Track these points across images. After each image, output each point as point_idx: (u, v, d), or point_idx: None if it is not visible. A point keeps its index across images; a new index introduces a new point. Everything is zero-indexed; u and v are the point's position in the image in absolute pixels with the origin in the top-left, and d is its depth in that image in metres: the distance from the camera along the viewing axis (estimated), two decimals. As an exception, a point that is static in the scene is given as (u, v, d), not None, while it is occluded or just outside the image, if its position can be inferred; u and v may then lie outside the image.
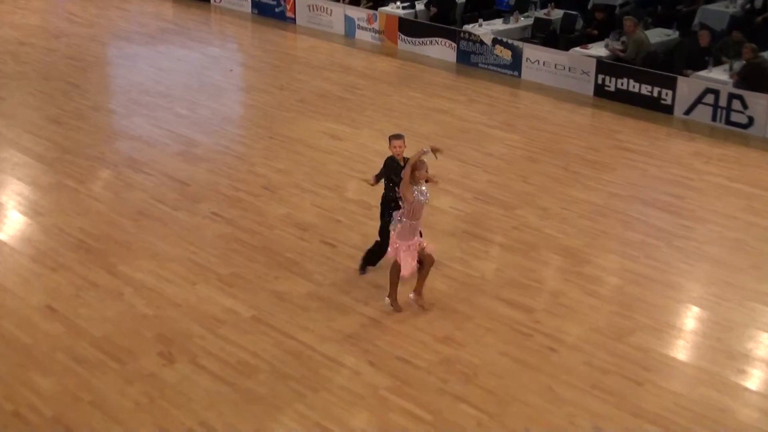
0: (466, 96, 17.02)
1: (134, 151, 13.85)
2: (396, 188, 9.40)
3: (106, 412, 7.92)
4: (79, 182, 12.72)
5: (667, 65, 16.54)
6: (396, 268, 9.26)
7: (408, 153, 9.54)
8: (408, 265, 9.10)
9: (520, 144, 14.57)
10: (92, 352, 8.79)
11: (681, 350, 9.12)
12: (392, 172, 9.56)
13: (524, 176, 13.23)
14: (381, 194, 9.89)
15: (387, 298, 9.52)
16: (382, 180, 9.80)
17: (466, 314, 9.53)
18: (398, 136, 9.64)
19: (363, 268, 10.25)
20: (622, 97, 16.54)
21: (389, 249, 9.34)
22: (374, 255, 10.15)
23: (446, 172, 13.20)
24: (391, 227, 9.27)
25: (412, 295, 9.54)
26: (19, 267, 10.41)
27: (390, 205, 9.60)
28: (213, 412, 7.94)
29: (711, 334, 9.36)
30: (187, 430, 7.71)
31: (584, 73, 17.03)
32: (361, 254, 10.42)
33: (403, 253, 9.09)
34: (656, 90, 16.10)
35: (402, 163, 9.46)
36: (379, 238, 10.02)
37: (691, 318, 9.78)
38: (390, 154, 9.67)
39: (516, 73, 18.07)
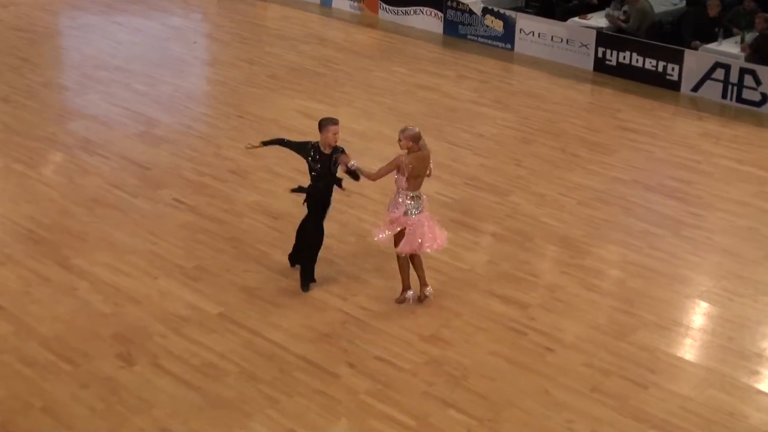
0: (454, 71, 17.01)
1: (89, 132, 13.77)
2: (315, 175, 9.50)
3: (59, 419, 7.89)
4: (29, 166, 12.64)
5: (673, 37, 16.59)
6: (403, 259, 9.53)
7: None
8: (414, 242, 9.34)
9: (513, 124, 14.58)
10: (43, 353, 8.74)
11: (688, 350, 9.17)
12: (311, 159, 9.48)
13: (518, 159, 13.25)
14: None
15: (410, 292, 9.60)
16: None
17: (455, 311, 9.54)
18: (333, 121, 9.40)
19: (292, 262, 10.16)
20: (625, 72, 16.57)
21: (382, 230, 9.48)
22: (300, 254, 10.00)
23: (433, 155, 13.18)
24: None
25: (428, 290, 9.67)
26: (-39, 260, 10.36)
27: (311, 195, 9.62)
28: (176, 418, 7.91)
29: (721, 332, 9.41)
30: (148, 438, 7.70)
31: (583, 45, 17.04)
32: (340, 245, 10.48)
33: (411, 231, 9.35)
34: (661, 64, 16.14)
35: (328, 151, 9.39)
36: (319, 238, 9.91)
37: (699, 314, 9.82)
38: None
39: (508, 45, 18.05)
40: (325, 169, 9.52)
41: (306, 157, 9.59)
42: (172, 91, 15.57)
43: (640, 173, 12.93)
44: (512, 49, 18.00)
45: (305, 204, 9.79)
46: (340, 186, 9.79)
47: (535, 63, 17.49)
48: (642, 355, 8.92)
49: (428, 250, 9.49)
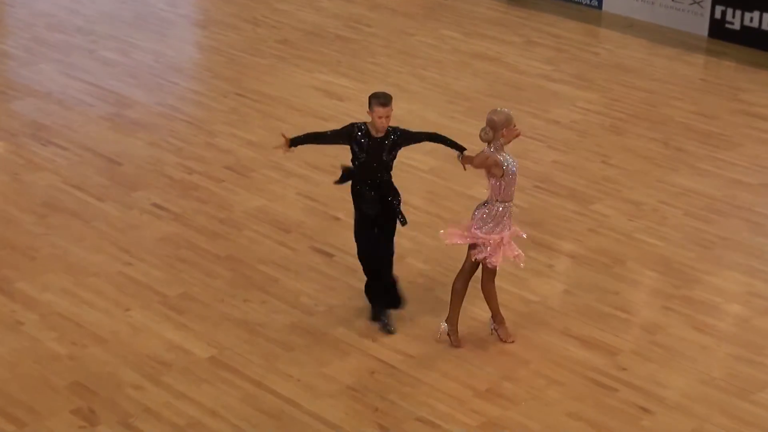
0: (523, 36, 17.00)
1: (40, 114, 13.91)
2: (360, 167, 9.57)
3: (-1, 497, 7.96)
4: (-38, 159, 12.79)
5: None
6: (463, 277, 9.66)
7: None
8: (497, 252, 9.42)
9: (599, 107, 14.58)
10: (-20, 408, 8.81)
11: (834, 413, 9.10)
12: (355, 143, 9.52)
13: (605, 155, 13.26)
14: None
15: (444, 324, 9.65)
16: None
17: (521, 357, 9.51)
18: (384, 101, 9.39)
19: (378, 316, 10.00)
20: (751, 38, 16.50)
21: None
22: (379, 283, 9.97)
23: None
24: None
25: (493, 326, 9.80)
26: None
27: (355, 185, 9.69)
28: (153, 497, 7.97)
29: None
30: None
31: (695, 2, 16.98)
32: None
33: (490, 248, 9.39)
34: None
35: (381, 134, 9.43)
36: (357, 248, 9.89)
37: None
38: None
39: (595, 2, 18.01)
40: (373, 159, 9.52)
41: (351, 143, 9.55)
42: (152, 61, 15.68)
43: (772, 174, 12.90)
44: (600, 7, 17.98)
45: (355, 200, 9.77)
46: (401, 220, 9.83)
47: (629, 26, 17.45)
48: (771, 420, 8.88)
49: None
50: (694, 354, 9.64)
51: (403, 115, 13.87)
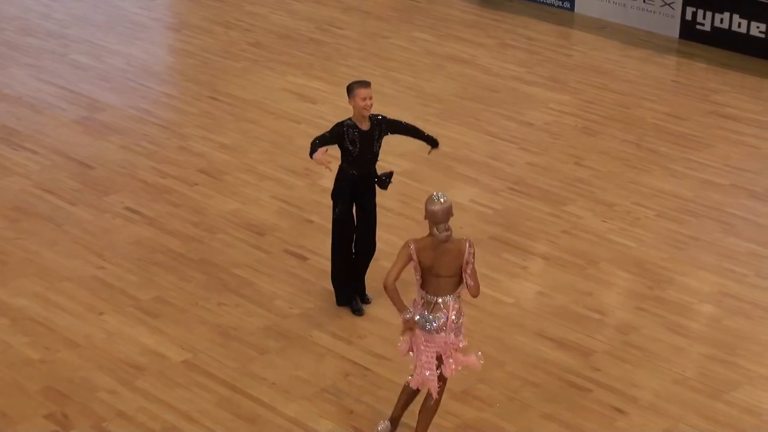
0: (496, 38, 17.04)
1: (11, 118, 13.87)
2: (353, 161, 9.74)
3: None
4: (-68, 164, 12.74)
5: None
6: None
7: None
8: (422, 373, 8.02)
9: (572, 109, 14.63)
10: (-49, 413, 8.77)
11: (806, 412, 9.15)
12: (348, 140, 9.68)
13: (578, 156, 13.30)
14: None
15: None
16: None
17: (496, 359, 9.50)
18: (365, 84, 9.67)
19: (344, 299, 10.31)
20: (722, 39, 16.57)
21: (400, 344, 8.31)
22: (333, 266, 10.26)
23: (468, 150, 13.23)
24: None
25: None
26: None
27: (341, 181, 9.91)
28: (127, 502, 7.96)
29: None
30: None
31: (666, 4, 17.05)
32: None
33: (418, 348, 8.04)
34: (771, 30, 16.17)
35: (367, 126, 9.65)
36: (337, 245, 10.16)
37: (821, 365, 9.82)
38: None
39: (567, 4, 18.08)
40: (365, 149, 9.69)
41: (342, 142, 9.68)
42: (124, 65, 15.65)
43: (743, 176, 12.96)
44: (572, 9, 18.03)
45: (335, 193, 10.02)
46: (381, 184, 10.06)
47: (601, 28, 17.52)
48: (746, 419, 8.87)
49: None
50: (668, 354, 9.68)
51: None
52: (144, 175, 12.50)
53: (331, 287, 10.35)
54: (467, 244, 7.91)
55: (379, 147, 9.87)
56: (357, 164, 9.78)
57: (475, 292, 7.98)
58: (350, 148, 9.65)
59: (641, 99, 14.97)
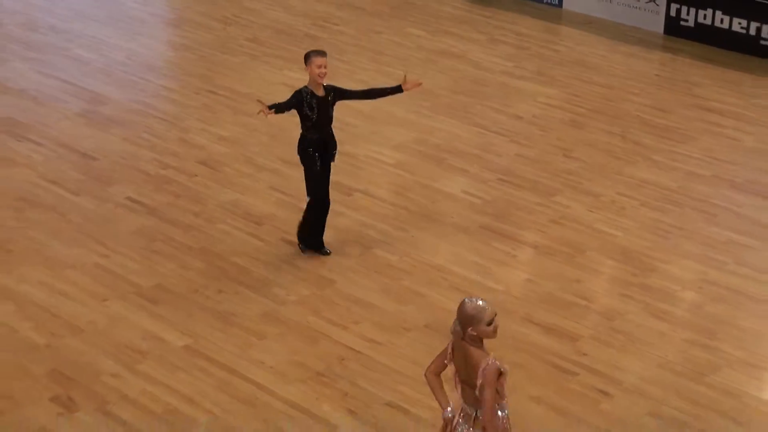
0: (486, 34, 17.05)
1: (15, 111, 13.88)
2: (312, 126, 10.36)
3: (-19, 482, 7.98)
4: (-61, 155, 12.76)
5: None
6: None
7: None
8: None
9: (560, 102, 14.67)
10: (-41, 395, 8.81)
11: (784, 394, 9.21)
12: (304, 105, 10.29)
13: (566, 148, 13.35)
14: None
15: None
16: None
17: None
18: (321, 53, 10.35)
19: (303, 243, 10.91)
20: (705, 35, 16.61)
21: None
22: (310, 221, 10.77)
23: (459, 143, 13.28)
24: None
25: None
26: None
27: (307, 147, 10.49)
28: (130, 481, 8.00)
29: (827, 371, 9.47)
30: (95, 506, 7.80)
31: (651, 1, 17.07)
32: (338, 258, 10.62)
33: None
34: (753, 26, 16.19)
35: (323, 93, 10.30)
36: (308, 196, 10.66)
37: (799, 349, 9.89)
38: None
39: (555, 1, 18.09)
40: (323, 116, 10.38)
41: (301, 108, 10.31)
42: (125, 59, 15.66)
43: (724, 167, 13.01)
44: (560, 5, 18.05)
45: (303, 158, 10.59)
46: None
47: (588, 23, 17.54)
48: (725, 401, 8.93)
49: None
50: (651, 339, 9.74)
51: (371, 111, 13.98)
52: (145, 167, 12.53)
53: (326, 275, 10.43)
54: (486, 361, 6.65)
55: (333, 111, 10.50)
56: (316, 128, 10.42)
57: (483, 421, 6.65)
58: (309, 113, 10.29)
59: (627, 93, 15.01)
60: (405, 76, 10.75)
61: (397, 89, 10.75)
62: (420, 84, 11.11)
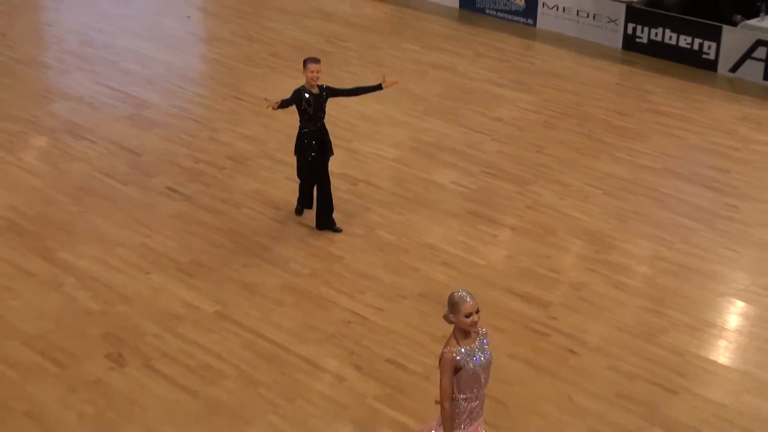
0: (471, 49, 17.05)
1: (74, 114, 13.88)
2: (309, 119, 10.59)
3: (45, 425, 7.98)
4: (9, 151, 12.75)
5: (711, 12, 16.58)
6: None
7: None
8: None
9: (534, 107, 14.66)
10: (27, 353, 8.83)
11: (723, 353, 9.23)
12: (303, 102, 10.53)
13: (540, 146, 13.34)
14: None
15: None
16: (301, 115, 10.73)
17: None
18: (315, 60, 10.60)
19: (302, 207, 11.27)
20: (657, 50, 16.63)
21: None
22: (303, 197, 11.18)
23: (448, 141, 13.29)
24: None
25: None
26: (-63, 253, 10.49)
27: (303, 138, 10.71)
28: (170, 425, 8.01)
29: (759, 333, 9.48)
30: (141, 446, 7.85)
31: (611, 21, 17.09)
32: (346, 237, 10.68)
33: None
34: (697, 42, 16.19)
35: (318, 91, 10.52)
36: (298, 178, 11.07)
37: (735, 315, 9.88)
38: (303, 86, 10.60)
39: (530, 21, 18.10)
40: (317, 111, 10.63)
41: (299, 103, 10.53)
42: (165, 70, 15.67)
43: (673, 161, 13.00)
44: (534, 25, 18.04)
45: (298, 148, 10.83)
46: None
47: (559, 40, 17.53)
48: (672, 358, 9.00)
49: None
50: (611, 306, 9.79)
51: (373, 113, 14.02)
52: (181, 161, 12.55)
53: (336, 252, 10.48)
54: (444, 349, 6.33)
55: (326, 107, 10.74)
56: (312, 121, 10.63)
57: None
58: (306, 107, 10.51)
59: (591, 99, 15.01)
60: (384, 76, 10.97)
61: (378, 87, 11.00)
62: (396, 83, 11.36)
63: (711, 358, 9.10)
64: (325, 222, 10.94)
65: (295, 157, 10.94)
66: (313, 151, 10.72)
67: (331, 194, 10.90)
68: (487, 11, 18.59)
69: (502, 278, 10.20)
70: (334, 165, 12.34)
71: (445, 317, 6.38)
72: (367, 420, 8.11)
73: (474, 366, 6.27)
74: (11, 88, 14.76)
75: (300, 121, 10.69)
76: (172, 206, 11.48)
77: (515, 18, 18.25)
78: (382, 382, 8.57)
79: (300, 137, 10.73)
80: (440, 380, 6.28)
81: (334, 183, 11.27)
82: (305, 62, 10.57)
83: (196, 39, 17.68)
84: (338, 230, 10.91)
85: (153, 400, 8.28)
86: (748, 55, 15.67)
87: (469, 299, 6.24)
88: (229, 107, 14.33)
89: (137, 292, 9.80)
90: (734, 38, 15.82)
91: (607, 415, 8.25)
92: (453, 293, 6.36)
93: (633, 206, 11.79)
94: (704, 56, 16.13)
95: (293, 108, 10.61)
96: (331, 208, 10.94)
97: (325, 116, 10.81)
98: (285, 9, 18.94)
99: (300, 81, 10.77)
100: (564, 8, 17.64)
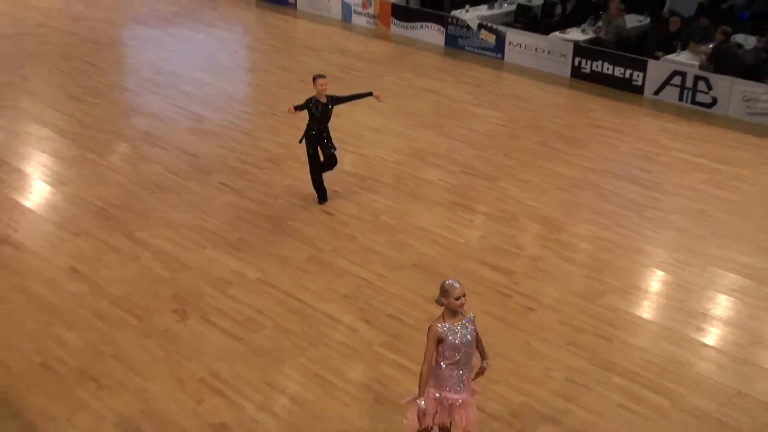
0: (454, 77, 17.04)
1: (148, 127, 13.89)
2: (315, 120, 10.68)
3: (127, 364, 8.04)
4: (99, 155, 12.76)
5: (638, 48, 16.60)
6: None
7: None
8: (419, 418, 6.06)
9: (502, 121, 14.63)
10: (113, 309, 8.89)
11: (647, 310, 9.26)
12: (312, 108, 10.66)
13: (506, 151, 13.30)
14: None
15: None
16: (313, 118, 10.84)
17: (452, 277, 9.54)
18: (322, 76, 10.67)
19: (321, 199, 11.25)
20: (597, 78, 16.60)
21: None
22: (316, 180, 11.19)
23: (435, 148, 13.29)
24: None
25: None
26: (44, 232, 10.49)
27: (308, 131, 10.80)
28: (223, 363, 8.05)
29: (674, 295, 9.51)
30: (199, 380, 7.83)
31: (562, 56, 17.07)
32: (358, 221, 10.66)
33: (427, 400, 6.16)
34: (628, 72, 16.16)
35: (324, 101, 10.64)
36: (309, 167, 11.10)
37: (656, 281, 9.89)
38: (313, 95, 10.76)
39: (499, 55, 18.08)
40: (323, 114, 10.71)
41: (309, 109, 10.68)
42: (217, 93, 15.66)
43: (609, 163, 12.97)
44: (502, 58, 18.02)
45: (308, 142, 10.89)
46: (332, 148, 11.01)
47: (521, 71, 17.50)
48: (608, 314, 9.04)
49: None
50: (561, 274, 9.79)
51: (377, 126, 14.00)
52: (231, 162, 12.55)
53: (352, 234, 10.47)
54: (430, 324, 6.14)
55: (332, 112, 10.82)
56: (318, 122, 10.73)
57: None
58: (315, 112, 10.67)
59: (547, 115, 14.99)
60: (374, 91, 11.34)
61: (369, 94, 11.23)
62: (383, 95, 11.83)
63: (637, 314, 9.12)
64: (322, 195, 11.25)
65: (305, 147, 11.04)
66: (314, 144, 10.86)
67: (320, 176, 11.13)
68: (466, 48, 18.56)
69: (477, 253, 10.21)
70: (348, 166, 12.41)
71: (437, 301, 6.15)
72: (373, 361, 8.14)
73: (454, 339, 6.05)
74: (101, 107, 14.76)
75: (308, 122, 10.80)
76: (224, 197, 11.48)
77: (487, 53, 18.22)
78: (385, 332, 8.59)
79: (307, 130, 10.87)
80: (425, 350, 6.03)
81: (347, 180, 11.24)
82: (314, 78, 10.67)
83: (242, 69, 17.67)
84: (321, 203, 11.21)
85: (209, 345, 8.33)
86: (667, 82, 15.66)
87: (458, 285, 6.03)
88: (268, 121, 14.31)
89: (197, 263, 9.83)
90: (657, 69, 15.80)
91: (559, 358, 8.28)
92: (444, 281, 6.12)
93: (578, 198, 11.76)
94: (633, 83, 16.10)
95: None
96: (327, 168, 11.13)
97: (330, 121, 10.89)
98: (311, 46, 18.91)
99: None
100: (525, 46, 17.60)
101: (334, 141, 11.06)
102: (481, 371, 6.51)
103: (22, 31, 19.13)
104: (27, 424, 7.28)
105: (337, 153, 11.08)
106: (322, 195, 11.26)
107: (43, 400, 7.58)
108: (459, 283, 6.09)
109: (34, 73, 16.45)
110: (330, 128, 11.01)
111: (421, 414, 6.01)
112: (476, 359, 6.46)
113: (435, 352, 6.09)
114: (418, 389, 6.06)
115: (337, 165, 11.19)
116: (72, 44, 18.38)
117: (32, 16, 20.43)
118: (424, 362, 6.06)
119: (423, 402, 6.02)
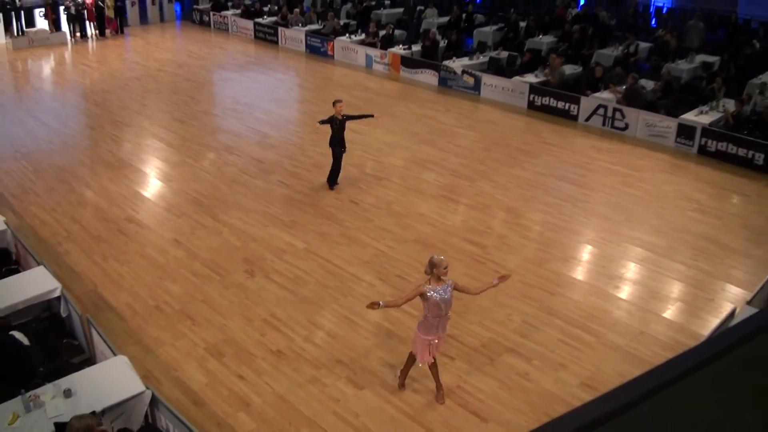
0: (444, 107, 16.90)
1: (229, 141, 13.81)
2: (335, 131, 10.69)
3: (212, 307, 8.04)
4: (195, 160, 12.71)
5: (574, 88, 16.39)
6: (412, 356, 6.47)
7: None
8: (423, 356, 6.29)
9: (478, 139, 14.49)
10: (203, 269, 8.88)
11: (579, 273, 9.15)
12: (333, 123, 10.65)
13: (481, 160, 13.15)
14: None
15: (398, 372, 6.77)
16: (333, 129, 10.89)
17: (443, 249, 9.55)
18: (339, 101, 10.65)
19: (332, 186, 11.13)
20: (546, 109, 16.40)
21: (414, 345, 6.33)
22: (332, 175, 11.13)
23: (431, 157, 13.18)
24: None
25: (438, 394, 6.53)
26: (157, 214, 10.48)
27: (332, 138, 10.77)
28: (279, 308, 8.04)
29: (598, 263, 9.40)
30: (263, 319, 7.82)
31: (521, 93, 16.87)
32: (374, 209, 10.54)
33: (419, 345, 6.28)
34: (567, 104, 15.96)
35: (341, 118, 10.62)
36: (334, 163, 11.10)
37: (586, 252, 9.78)
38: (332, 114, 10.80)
39: (477, 93, 17.91)
40: (340, 127, 10.76)
41: (332, 124, 10.71)
42: (278, 117, 15.57)
43: (554, 169, 12.80)
44: (479, 95, 17.85)
45: (334, 149, 10.93)
46: (341, 146, 10.98)
47: (493, 103, 17.33)
48: (553, 276, 8.94)
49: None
50: (520, 248, 9.68)
51: (391, 141, 13.86)
52: (287, 166, 12.47)
53: (372, 218, 10.36)
54: (419, 282, 6.13)
55: (345, 125, 10.76)
56: (338, 132, 10.80)
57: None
58: (335, 126, 10.71)
59: (510, 135, 14.84)
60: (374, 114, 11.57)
61: (371, 116, 11.53)
62: (377, 116, 11.98)
63: (573, 276, 9.02)
64: (333, 181, 11.18)
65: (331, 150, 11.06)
66: (337, 147, 10.86)
67: (339, 167, 11.08)
68: (453, 87, 18.36)
69: (460, 231, 10.12)
70: (369, 170, 12.30)
71: (426, 272, 5.98)
72: (385, 308, 8.03)
73: (435, 297, 5.95)
74: (196, 127, 14.70)
75: (331, 132, 10.83)
76: (281, 191, 11.40)
77: (469, 91, 18.03)
78: (394, 287, 8.53)
79: (331, 138, 10.90)
80: (408, 291, 6.02)
81: (369, 179, 11.14)
82: (334, 102, 10.70)
83: (295, 101, 17.58)
84: (333, 189, 11.12)
85: (270, 295, 8.30)
86: (594, 112, 15.43)
87: (443, 259, 5.97)
88: (312, 138, 14.21)
89: (261, 236, 9.78)
90: (587, 103, 15.58)
91: (517, 306, 8.22)
92: (432, 256, 5.95)
93: (532, 193, 11.62)
94: (571, 113, 15.89)
95: (350, 137, 10.56)
96: (337, 174, 11.13)
97: (345, 131, 10.85)
98: (342, 85, 18.75)
99: (349, 124, 10.73)
100: (495, 86, 17.40)
101: (347, 144, 11.16)
102: (503, 279, 6.43)
103: (146, 74, 19.10)
104: (145, 347, 7.32)
105: (359, 159, 10.97)
106: (334, 182, 11.27)
107: (156, 330, 7.59)
108: (443, 257, 6.06)
109: (152, 103, 16.42)
110: (345, 137, 11.05)
111: (376, 305, 5.96)
112: (453, 312, 6.36)
113: (424, 308, 6.07)
114: (386, 304, 6.01)
115: (360, 169, 11.07)
116: (178, 83, 18.32)
117: (153, 65, 20.38)
118: (401, 297, 6.07)
119: (382, 303, 6.01)
